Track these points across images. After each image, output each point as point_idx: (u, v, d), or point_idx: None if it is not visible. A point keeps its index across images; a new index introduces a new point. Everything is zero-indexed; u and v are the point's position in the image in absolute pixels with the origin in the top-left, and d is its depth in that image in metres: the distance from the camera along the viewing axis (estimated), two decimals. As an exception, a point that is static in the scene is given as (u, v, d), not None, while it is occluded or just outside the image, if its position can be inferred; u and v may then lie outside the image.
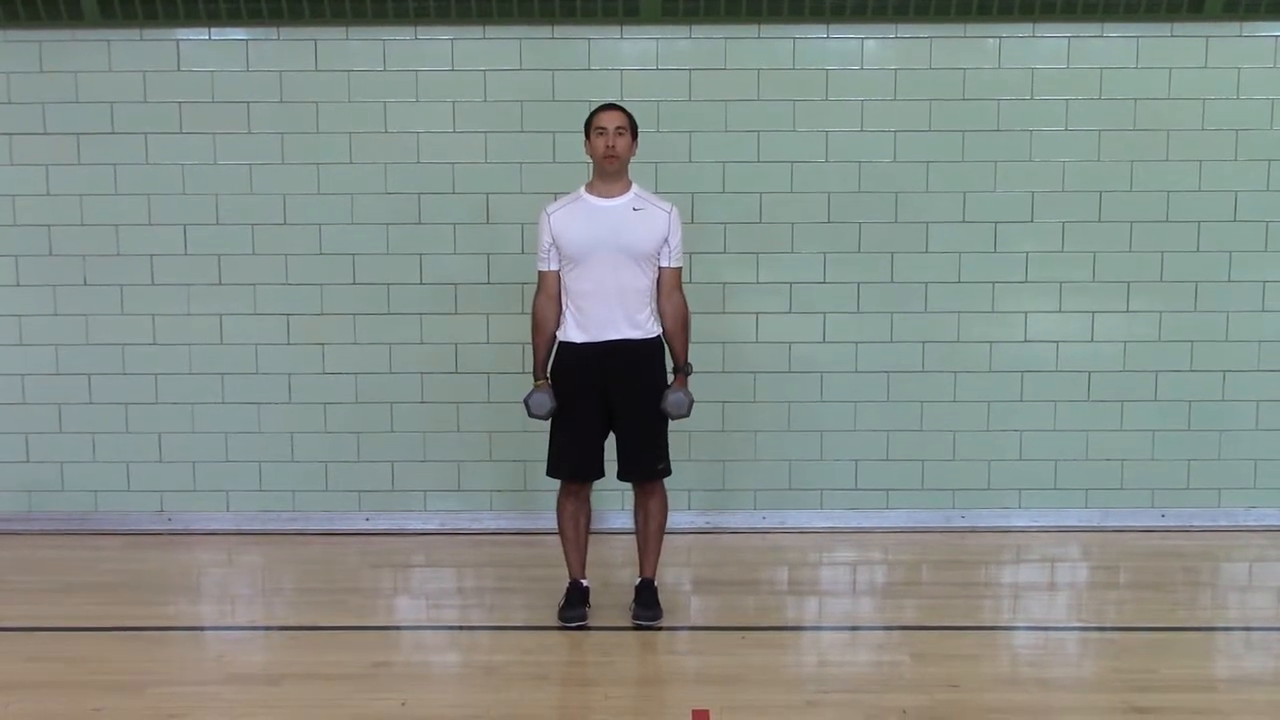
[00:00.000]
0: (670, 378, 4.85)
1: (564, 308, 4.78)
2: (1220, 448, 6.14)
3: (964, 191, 5.98)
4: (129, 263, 6.04)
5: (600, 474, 4.87)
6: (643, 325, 4.74)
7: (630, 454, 4.82)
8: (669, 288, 4.78)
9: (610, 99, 5.20)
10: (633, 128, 4.73)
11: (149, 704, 4.13)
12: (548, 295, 4.79)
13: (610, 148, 4.64)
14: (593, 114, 4.73)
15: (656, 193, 5.08)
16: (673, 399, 4.78)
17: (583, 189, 4.77)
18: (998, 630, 4.98)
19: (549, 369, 4.83)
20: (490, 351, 6.06)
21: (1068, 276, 6.04)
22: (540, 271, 4.79)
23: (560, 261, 4.75)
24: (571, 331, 4.75)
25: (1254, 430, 6.13)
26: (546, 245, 4.74)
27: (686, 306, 4.84)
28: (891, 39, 5.90)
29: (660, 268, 4.75)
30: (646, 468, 4.83)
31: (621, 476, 4.88)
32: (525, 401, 4.82)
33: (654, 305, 4.78)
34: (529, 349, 4.92)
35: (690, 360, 4.87)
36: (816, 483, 6.18)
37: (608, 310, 4.70)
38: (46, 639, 4.79)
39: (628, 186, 4.74)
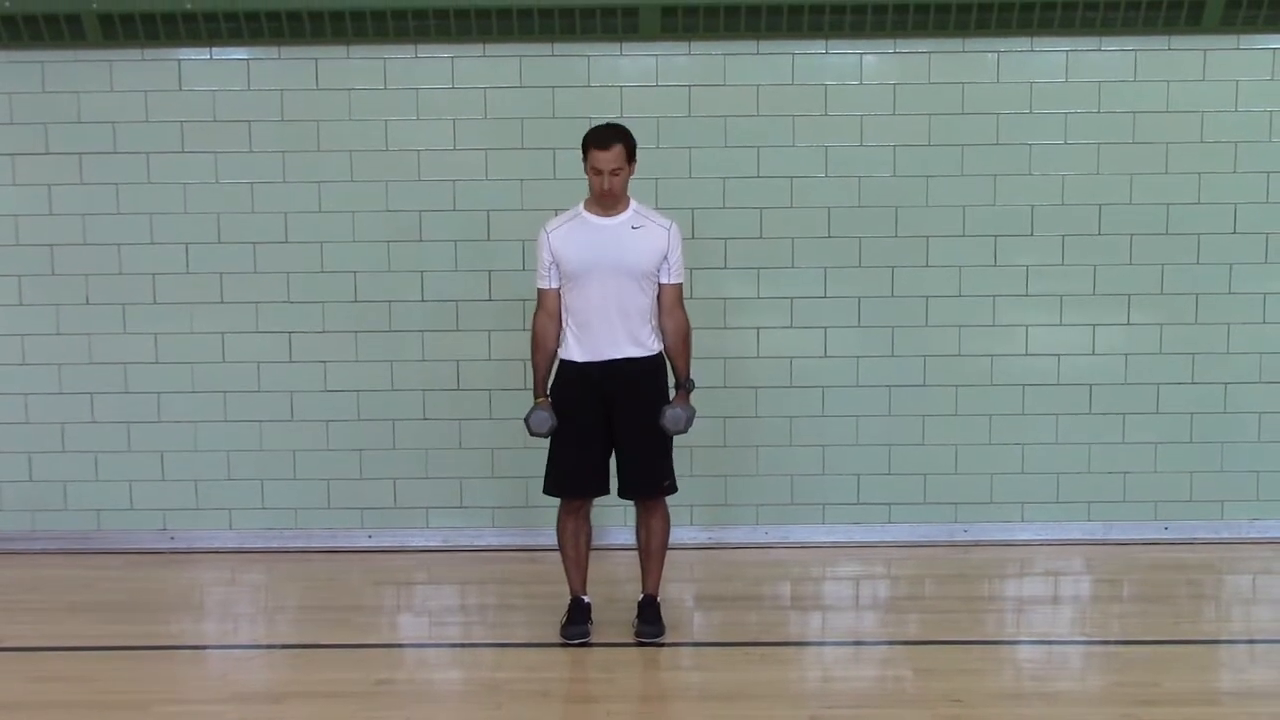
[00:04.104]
0: (672, 394, 4.85)
1: (565, 325, 4.77)
2: (1222, 460, 6.13)
3: (964, 205, 5.99)
4: (131, 281, 6.05)
5: (602, 491, 4.87)
6: (644, 343, 4.74)
7: (632, 472, 4.82)
8: (670, 304, 4.77)
9: (608, 119, 5.16)
10: (630, 154, 4.66)
11: (152, 723, 4.14)
12: (547, 313, 4.79)
13: (607, 189, 4.61)
14: (588, 144, 4.65)
15: (657, 208, 5.08)
16: (670, 414, 4.77)
17: (582, 206, 4.76)
18: (1001, 644, 4.97)
19: (550, 386, 4.83)
20: (492, 368, 6.06)
21: (1068, 290, 6.04)
22: (540, 289, 4.79)
23: (560, 279, 4.75)
24: (573, 350, 4.75)
25: (1256, 442, 6.12)
26: (547, 263, 4.74)
27: (688, 323, 4.83)
28: (890, 54, 5.91)
29: (660, 285, 4.75)
30: (649, 485, 4.83)
31: (623, 494, 4.88)
32: (526, 420, 4.81)
33: (655, 322, 4.77)
34: (529, 365, 4.92)
35: (692, 376, 4.87)
36: (818, 497, 6.17)
37: (609, 329, 4.69)
38: (49, 658, 4.79)
39: (627, 204, 4.73)
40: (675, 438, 4.84)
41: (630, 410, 4.75)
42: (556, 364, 4.82)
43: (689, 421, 4.80)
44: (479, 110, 5.95)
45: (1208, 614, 5.36)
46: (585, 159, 4.66)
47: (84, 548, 6.15)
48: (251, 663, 4.80)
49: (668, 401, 4.81)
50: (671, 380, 4.86)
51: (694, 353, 4.88)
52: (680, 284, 4.79)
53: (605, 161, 4.59)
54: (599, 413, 4.76)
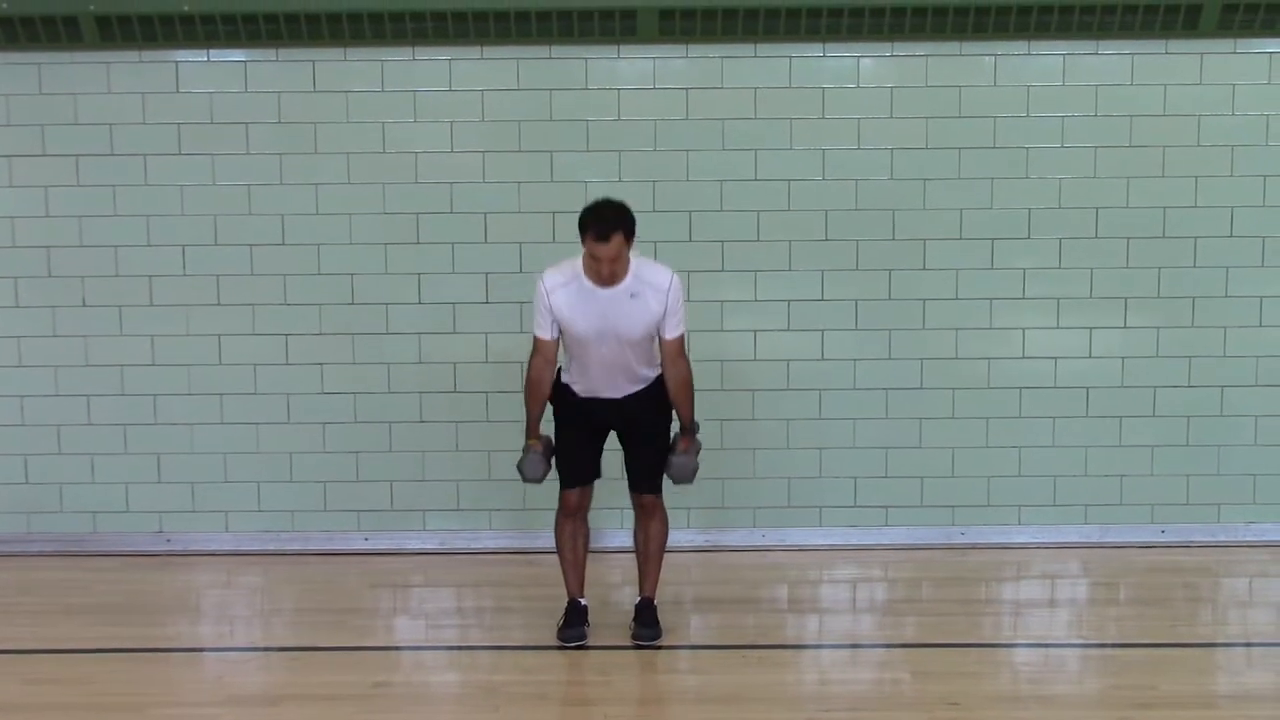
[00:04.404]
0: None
1: (566, 355, 4.76)
2: (1219, 463, 6.13)
3: (961, 209, 5.99)
4: (128, 284, 6.03)
5: (597, 475, 4.89)
6: (645, 378, 4.75)
7: (636, 470, 4.86)
8: (671, 356, 4.68)
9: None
10: (629, 235, 4.50)
11: (148, 726, 4.14)
12: (544, 359, 4.71)
13: (606, 275, 4.52)
14: (586, 231, 4.46)
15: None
16: (677, 464, 4.78)
17: (580, 267, 4.59)
18: (998, 647, 4.98)
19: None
20: (488, 371, 6.06)
21: (1065, 293, 6.04)
22: (537, 337, 4.69)
23: (560, 331, 4.68)
24: (574, 382, 4.76)
25: (1252, 445, 6.12)
26: (548, 318, 4.62)
27: (689, 372, 4.73)
28: (888, 57, 5.91)
29: (661, 338, 4.66)
30: (652, 484, 4.86)
31: (633, 489, 4.90)
32: (519, 467, 4.82)
33: (657, 358, 4.73)
34: (524, 368, 4.87)
35: (696, 419, 4.85)
36: (815, 500, 6.17)
37: (610, 379, 4.69)
38: (45, 660, 4.79)
39: (626, 270, 4.57)
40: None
41: (635, 429, 4.80)
42: (556, 377, 4.82)
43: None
44: (476, 112, 5.95)
45: (1204, 617, 5.36)
46: (583, 239, 4.50)
47: (80, 550, 6.14)
48: (248, 665, 4.79)
49: (671, 409, 4.80)
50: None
51: (692, 355, 4.87)
52: (681, 336, 4.68)
53: (605, 253, 4.44)
54: (596, 426, 4.81)
